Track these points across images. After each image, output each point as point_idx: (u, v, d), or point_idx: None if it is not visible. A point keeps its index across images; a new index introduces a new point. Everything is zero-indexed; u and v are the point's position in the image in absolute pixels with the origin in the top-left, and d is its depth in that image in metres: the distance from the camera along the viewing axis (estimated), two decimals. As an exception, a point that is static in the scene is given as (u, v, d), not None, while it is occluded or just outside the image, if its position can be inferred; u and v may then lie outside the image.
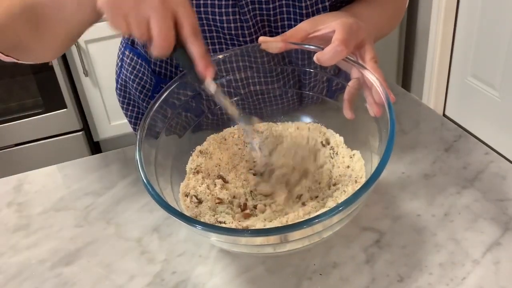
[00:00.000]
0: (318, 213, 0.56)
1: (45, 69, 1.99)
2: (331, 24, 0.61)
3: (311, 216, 0.51)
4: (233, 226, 0.59)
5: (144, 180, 0.53)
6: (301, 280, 0.59)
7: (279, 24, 0.73)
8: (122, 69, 0.94)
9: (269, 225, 0.59)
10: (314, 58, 0.60)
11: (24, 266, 0.65)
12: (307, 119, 0.72)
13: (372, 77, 0.58)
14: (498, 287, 0.57)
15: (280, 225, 0.58)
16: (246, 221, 0.60)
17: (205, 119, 0.72)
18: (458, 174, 0.73)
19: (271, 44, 0.64)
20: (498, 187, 0.70)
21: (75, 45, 1.96)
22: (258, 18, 0.72)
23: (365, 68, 0.59)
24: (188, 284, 0.60)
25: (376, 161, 0.58)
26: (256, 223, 0.60)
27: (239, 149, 0.68)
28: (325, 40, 0.61)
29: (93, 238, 0.69)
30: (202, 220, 0.60)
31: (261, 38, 0.64)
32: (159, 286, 0.61)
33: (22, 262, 0.66)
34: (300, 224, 0.48)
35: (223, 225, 0.59)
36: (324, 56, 0.59)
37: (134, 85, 0.90)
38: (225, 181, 0.66)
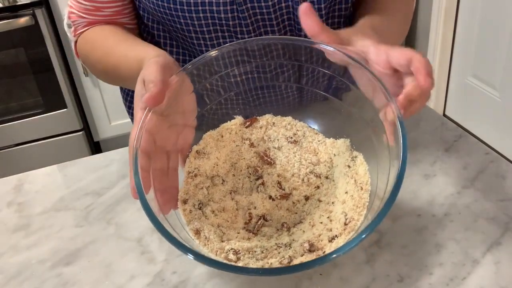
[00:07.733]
0: (329, 250, 0.55)
1: (45, 69, 1.99)
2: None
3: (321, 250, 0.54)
4: (237, 245, 0.57)
5: (143, 206, 0.51)
6: (301, 280, 0.59)
7: (278, 22, 0.73)
8: None
9: (277, 240, 0.59)
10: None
11: (24, 266, 0.65)
12: (308, 118, 0.72)
13: (395, 112, 0.53)
14: (498, 287, 0.57)
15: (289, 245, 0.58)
16: (251, 241, 0.59)
17: (202, 117, 0.71)
18: (458, 174, 0.73)
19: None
20: (498, 187, 0.70)
21: (75, 45, 1.96)
22: (259, 16, 0.72)
23: (391, 100, 0.54)
24: (188, 284, 0.60)
25: (382, 168, 0.57)
26: (262, 242, 0.59)
27: (236, 146, 0.68)
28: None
29: (93, 238, 0.69)
30: (203, 233, 0.58)
31: (304, 6, 0.57)
32: (159, 286, 0.61)
33: (22, 262, 0.66)
34: (313, 262, 0.49)
35: (228, 241, 0.58)
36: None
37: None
38: (223, 184, 0.66)
